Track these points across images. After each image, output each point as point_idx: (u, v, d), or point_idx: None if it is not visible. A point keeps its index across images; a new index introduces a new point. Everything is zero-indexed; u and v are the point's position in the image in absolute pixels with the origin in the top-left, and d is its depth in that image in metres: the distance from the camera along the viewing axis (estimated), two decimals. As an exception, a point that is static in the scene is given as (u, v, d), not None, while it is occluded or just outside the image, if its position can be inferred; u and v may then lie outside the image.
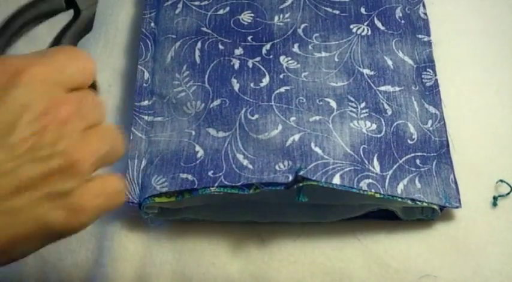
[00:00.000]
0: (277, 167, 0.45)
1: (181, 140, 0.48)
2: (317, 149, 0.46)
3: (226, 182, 0.45)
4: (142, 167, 0.48)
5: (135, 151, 0.49)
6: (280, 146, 0.46)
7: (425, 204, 0.45)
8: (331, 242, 0.46)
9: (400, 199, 0.45)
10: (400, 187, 0.45)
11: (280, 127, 0.47)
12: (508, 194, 0.47)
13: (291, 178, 0.44)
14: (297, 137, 0.47)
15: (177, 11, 0.55)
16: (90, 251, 0.46)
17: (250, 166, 0.46)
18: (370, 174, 0.45)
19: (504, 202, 0.47)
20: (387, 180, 0.45)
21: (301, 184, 0.44)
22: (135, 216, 0.47)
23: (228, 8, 0.55)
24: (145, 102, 0.51)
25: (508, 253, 0.45)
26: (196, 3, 0.56)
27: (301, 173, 0.44)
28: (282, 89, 0.50)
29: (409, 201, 0.45)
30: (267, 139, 0.47)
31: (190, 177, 0.46)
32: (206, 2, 0.56)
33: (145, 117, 0.50)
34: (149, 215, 0.46)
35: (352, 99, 0.49)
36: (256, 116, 0.48)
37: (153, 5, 0.56)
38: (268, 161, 0.46)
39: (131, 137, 0.50)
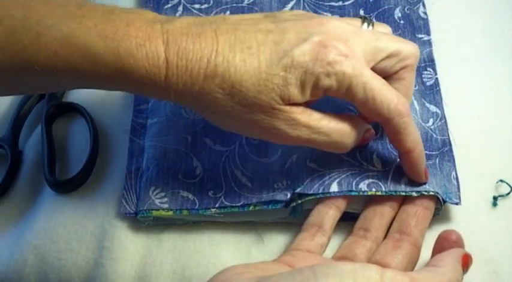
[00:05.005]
0: (275, 186, 0.46)
1: (178, 148, 0.48)
2: (312, 165, 0.46)
3: (226, 203, 0.46)
4: (139, 173, 0.48)
5: (133, 158, 0.49)
6: (280, 169, 0.47)
7: (431, 193, 0.44)
8: (332, 242, 0.46)
9: (403, 193, 0.45)
10: (405, 180, 0.45)
11: (279, 151, 0.48)
12: (508, 194, 0.47)
13: (289, 196, 0.45)
14: (294, 157, 0.47)
15: (177, 14, 0.55)
16: (90, 251, 0.47)
17: (249, 184, 0.46)
18: (371, 173, 0.45)
19: (504, 202, 0.47)
20: (390, 175, 0.45)
21: (299, 201, 0.45)
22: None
23: (228, 12, 0.55)
24: (144, 106, 0.51)
25: (508, 253, 0.45)
26: (197, 6, 0.56)
27: (298, 190, 0.45)
28: None
29: (414, 194, 0.45)
30: (267, 163, 0.47)
31: (190, 196, 0.46)
32: (206, 5, 0.56)
33: (142, 121, 0.51)
34: (145, 223, 0.47)
35: (351, 107, 0.49)
36: (257, 141, 0.49)
37: (153, 7, 0.56)
38: (267, 179, 0.47)
39: (129, 143, 0.50)
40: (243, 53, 0.39)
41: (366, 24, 0.45)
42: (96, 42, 0.38)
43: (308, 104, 0.42)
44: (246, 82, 0.39)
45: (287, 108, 0.40)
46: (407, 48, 0.43)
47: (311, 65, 0.39)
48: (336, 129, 0.42)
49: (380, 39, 0.42)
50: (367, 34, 0.43)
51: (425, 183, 0.45)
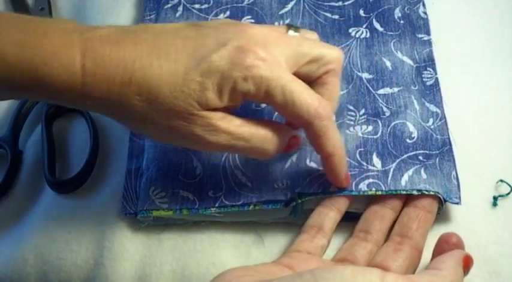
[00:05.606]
0: (275, 185, 0.46)
1: (178, 148, 0.48)
2: (312, 164, 0.46)
3: (226, 202, 0.46)
4: (139, 173, 0.48)
5: (133, 158, 0.49)
6: (280, 169, 0.47)
7: (431, 193, 0.44)
8: (332, 242, 0.46)
9: (404, 191, 0.45)
10: (405, 178, 0.45)
11: None
12: (508, 194, 0.47)
13: (289, 195, 0.45)
14: (294, 157, 0.47)
15: (177, 14, 0.55)
16: (90, 251, 0.47)
17: (249, 183, 0.46)
18: (370, 174, 0.45)
19: (504, 202, 0.47)
20: (390, 174, 0.45)
21: (299, 201, 0.45)
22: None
23: (228, 12, 0.55)
24: None
25: (508, 253, 0.45)
26: (197, 6, 0.56)
27: (298, 189, 0.45)
28: None
29: (415, 192, 0.44)
30: (267, 163, 0.47)
31: (190, 196, 0.46)
32: (206, 6, 0.56)
33: None
34: (145, 223, 0.47)
35: (351, 107, 0.49)
36: None
37: (153, 7, 0.57)
38: (267, 179, 0.47)
39: (129, 143, 0.50)
40: (159, 59, 0.39)
41: (291, 30, 0.45)
42: (11, 50, 0.38)
43: (229, 110, 0.42)
44: (163, 88, 0.39)
45: (205, 113, 0.40)
46: (331, 53, 0.43)
47: (228, 70, 0.39)
48: (256, 135, 0.42)
49: (303, 44, 0.43)
50: (289, 39, 0.43)
51: (424, 184, 0.45)
